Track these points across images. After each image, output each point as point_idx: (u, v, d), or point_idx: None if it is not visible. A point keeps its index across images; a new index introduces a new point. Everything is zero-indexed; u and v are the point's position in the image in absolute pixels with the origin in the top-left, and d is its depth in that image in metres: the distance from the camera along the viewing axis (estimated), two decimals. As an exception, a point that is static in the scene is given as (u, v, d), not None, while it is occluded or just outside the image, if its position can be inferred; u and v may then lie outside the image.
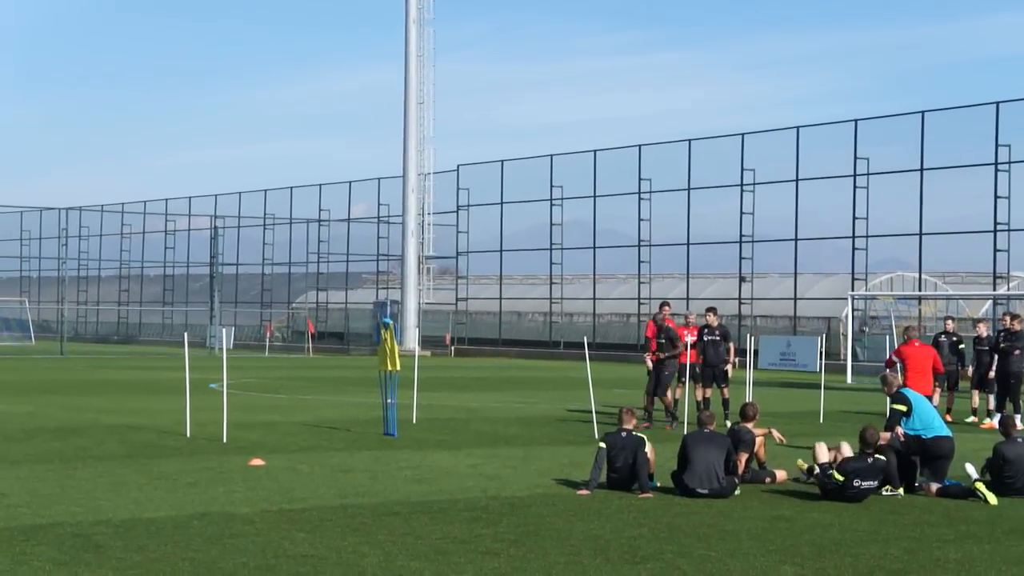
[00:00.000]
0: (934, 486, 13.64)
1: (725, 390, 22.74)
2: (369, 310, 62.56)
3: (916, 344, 21.08)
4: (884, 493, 13.43)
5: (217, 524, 11.01)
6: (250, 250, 72.31)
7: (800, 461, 14.67)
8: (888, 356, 22.58)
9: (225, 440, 17.51)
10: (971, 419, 23.72)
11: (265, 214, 71.20)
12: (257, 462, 15.21)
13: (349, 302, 66.96)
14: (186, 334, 19.87)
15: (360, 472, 14.67)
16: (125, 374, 37.11)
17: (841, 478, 12.93)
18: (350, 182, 67.49)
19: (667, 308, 24.14)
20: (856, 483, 12.88)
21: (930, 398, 20.34)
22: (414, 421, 20.69)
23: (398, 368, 19.28)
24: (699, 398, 22.58)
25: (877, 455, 13.23)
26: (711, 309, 23.31)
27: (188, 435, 18.12)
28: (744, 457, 13.99)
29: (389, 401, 19.12)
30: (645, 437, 13.55)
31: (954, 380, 24.85)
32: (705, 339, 22.70)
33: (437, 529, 10.94)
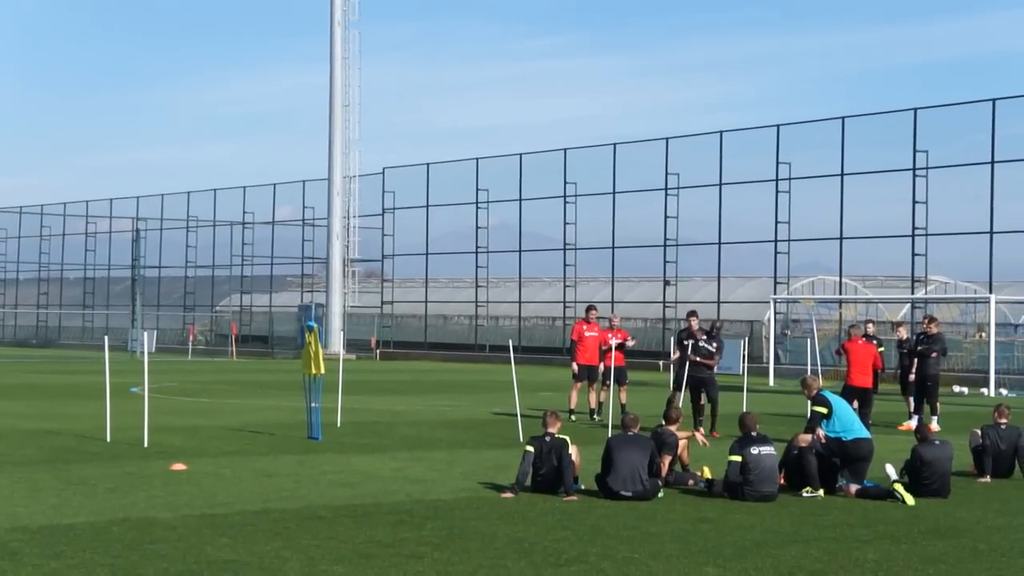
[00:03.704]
0: (853, 487, 13.84)
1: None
2: (293, 313, 62.16)
3: (859, 341, 21.45)
4: (804, 495, 13.60)
5: (137, 530, 10.88)
6: (173, 253, 71.53)
7: (706, 469, 14.51)
8: (837, 346, 24.00)
9: (146, 444, 17.31)
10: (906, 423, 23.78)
11: (188, 216, 70.50)
12: (179, 467, 15.06)
13: (273, 305, 66.49)
14: (106, 337, 19.60)
15: (284, 476, 14.57)
16: (44, 378, 36.53)
17: (740, 461, 13.29)
18: (275, 184, 67.08)
19: (594, 311, 24.32)
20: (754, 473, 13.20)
21: (871, 391, 20.85)
22: (338, 425, 20.60)
23: (322, 371, 19.18)
24: (623, 401, 22.72)
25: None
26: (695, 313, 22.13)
27: (108, 440, 17.88)
28: (667, 459, 14.08)
29: (313, 405, 19.02)
30: (568, 439, 13.60)
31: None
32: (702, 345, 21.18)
33: (361, 533, 10.90)
